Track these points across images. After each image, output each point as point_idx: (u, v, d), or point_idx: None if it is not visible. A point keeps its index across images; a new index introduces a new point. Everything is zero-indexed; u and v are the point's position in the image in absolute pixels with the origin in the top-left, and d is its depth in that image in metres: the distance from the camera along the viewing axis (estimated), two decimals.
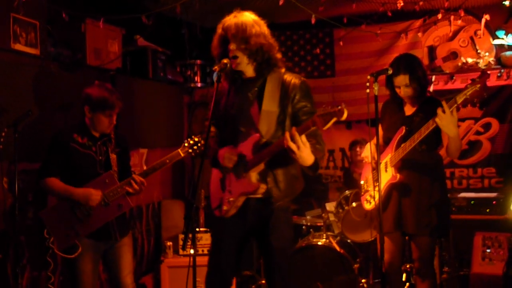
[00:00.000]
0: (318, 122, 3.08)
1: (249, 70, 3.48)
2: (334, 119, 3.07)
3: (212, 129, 3.66)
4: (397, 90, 4.25)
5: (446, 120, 3.81)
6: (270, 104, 3.39)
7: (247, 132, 3.43)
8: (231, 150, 3.45)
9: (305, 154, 3.13)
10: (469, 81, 3.84)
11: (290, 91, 3.42)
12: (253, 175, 3.39)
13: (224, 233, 3.56)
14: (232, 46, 3.36)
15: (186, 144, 4.17)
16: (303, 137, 3.09)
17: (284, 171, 3.44)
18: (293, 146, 3.07)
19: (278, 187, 3.42)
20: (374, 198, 4.29)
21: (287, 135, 3.09)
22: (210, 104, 3.49)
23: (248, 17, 3.43)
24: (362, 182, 4.60)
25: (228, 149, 3.47)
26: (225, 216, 3.49)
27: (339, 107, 3.05)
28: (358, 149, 6.54)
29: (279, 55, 3.51)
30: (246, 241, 3.67)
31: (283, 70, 3.53)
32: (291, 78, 3.47)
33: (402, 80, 4.17)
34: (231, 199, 3.45)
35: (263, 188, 3.40)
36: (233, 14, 3.46)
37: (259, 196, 3.43)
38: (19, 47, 4.52)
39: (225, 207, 3.47)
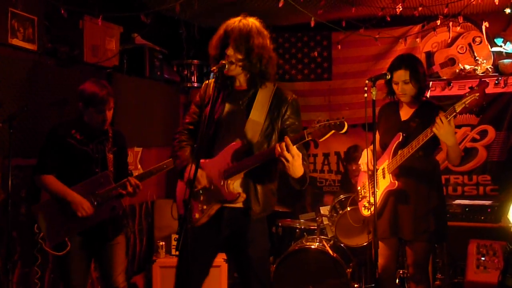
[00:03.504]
0: (315, 133, 3.05)
1: (242, 80, 3.42)
2: (331, 132, 3.04)
3: (183, 137, 3.56)
4: (395, 87, 4.23)
5: (444, 129, 3.81)
6: (257, 115, 3.32)
7: (228, 139, 3.33)
8: (201, 173, 3.31)
9: (298, 163, 3.07)
10: (468, 89, 3.83)
11: (282, 106, 3.37)
12: (232, 184, 3.29)
13: (196, 243, 3.33)
14: (230, 52, 3.27)
15: None
16: (295, 147, 3.04)
17: (263, 185, 3.36)
18: (287, 155, 3.01)
19: (257, 200, 3.33)
20: (371, 204, 4.27)
21: (282, 144, 3.02)
22: (197, 103, 3.51)
23: (253, 25, 3.32)
24: (359, 188, 4.58)
25: (199, 171, 3.25)
26: (196, 225, 3.33)
27: (340, 120, 3.03)
28: (353, 168, 6.50)
29: (274, 70, 3.43)
30: (217, 251, 3.57)
31: (275, 84, 3.46)
32: (283, 93, 3.42)
33: (402, 75, 4.16)
34: (204, 207, 3.32)
35: (242, 197, 3.28)
36: (239, 18, 3.35)
37: (237, 206, 3.32)
38: (16, 42, 4.49)
39: (197, 215, 3.33)
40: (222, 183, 3.28)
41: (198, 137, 3.16)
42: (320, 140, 3.07)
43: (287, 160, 3.02)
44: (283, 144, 3.02)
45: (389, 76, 3.99)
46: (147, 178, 4.23)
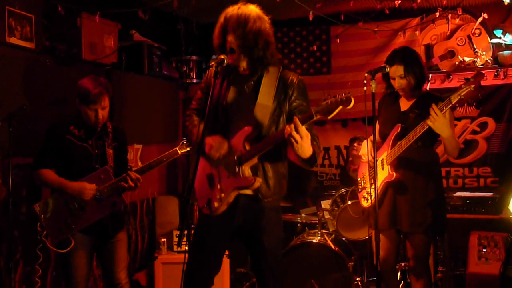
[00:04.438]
0: (322, 110, 3.05)
1: (246, 65, 3.42)
2: (340, 107, 3.05)
3: (195, 118, 3.59)
4: (392, 81, 4.25)
5: (438, 122, 3.82)
6: (265, 98, 3.33)
7: (238, 124, 3.35)
8: (220, 140, 3.35)
9: (307, 144, 3.08)
10: (464, 81, 3.84)
11: (288, 88, 3.38)
12: (246, 169, 3.31)
13: (211, 231, 3.44)
14: (230, 38, 3.30)
15: (184, 142, 4.15)
16: (304, 127, 3.05)
17: (274, 168, 3.39)
18: (296, 136, 3.01)
19: (267, 184, 3.36)
20: (371, 195, 4.27)
21: (291, 125, 3.03)
22: (198, 95, 3.54)
23: (252, 10, 3.35)
24: (359, 179, 4.59)
25: (217, 138, 3.36)
26: (215, 214, 3.38)
27: (346, 95, 3.03)
28: (355, 144, 6.52)
29: (276, 53, 3.45)
30: (230, 240, 3.57)
31: (280, 67, 3.47)
32: (289, 76, 3.43)
33: (396, 70, 4.17)
34: (222, 195, 3.34)
35: (258, 181, 3.30)
36: (238, 5, 3.38)
37: (251, 191, 3.34)
38: (14, 40, 4.49)
39: (216, 204, 3.36)
40: (237, 169, 3.30)
41: (204, 124, 3.17)
42: (329, 117, 3.07)
43: (296, 141, 3.03)
44: (292, 125, 3.03)
45: (388, 69, 3.99)
46: (147, 171, 4.23)
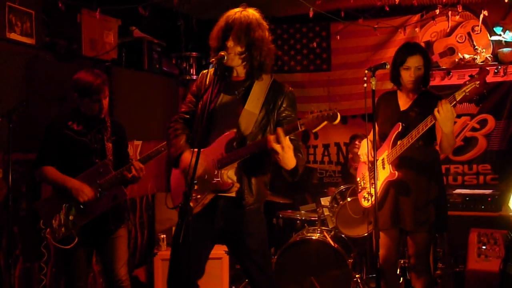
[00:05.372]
0: (308, 123, 3.04)
1: (240, 71, 3.42)
2: (324, 123, 3.04)
3: (178, 126, 3.57)
4: (405, 72, 4.21)
5: (444, 115, 3.80)
6: (252, 106, 3.33)
7: (222, 129, 3.32)
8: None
9: (289, 155, 3.05)
10: (468, 78, 3.82)
11: (278, 98, 3.37)
12: (226, 173, 3.29)
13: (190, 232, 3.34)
14: (230, 44, 3.27)
15: None
16: (287, 139, 3.03)
17: (256, 176, 3.37)
18: (277, 146, 3.00)
19: (250, 190, 3.34)
20: (371, 195, 4.26)
21: (273, 136, 3.03)
22: (194, 91, 3.53)
23: (253, 17, 3.31)
24: (358, 179, 4.58)
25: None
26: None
27: (332, 111, 3.02)
28: (357, 142, 6.53)
29: (272, 61, 3.43)
30: (211, 245, 3.54)
31: (272, 76, 3.47)
32: (279, 86, 3.43)
33: (417, 60, 4.16)
34: (199, 196, 3.31)
35: (236, 187, 3.29)
36: (239, 9, 3.35)
37: (231, 195, 3.32)
38: (14, 36, 4.48)
39: (191, 204, 3.23)
40: (216, 172, 3.29)
41: (194, 127, 3.16)
42: (314, 130, 3.08)
43: (277, 152, 3.02)
44: (274, 136, 3.03)
45: (388, 66, 3.97)
46: (146, 162, 4.24)
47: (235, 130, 3.29)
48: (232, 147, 3.28)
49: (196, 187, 3.30)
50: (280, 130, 3.02)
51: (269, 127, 3.35)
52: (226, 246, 3.50)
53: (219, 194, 3.34)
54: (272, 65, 3.46)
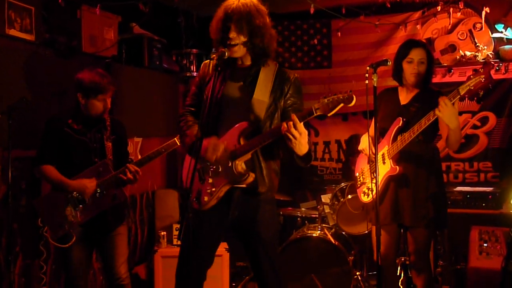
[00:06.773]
0: (323, 108, 3.04)
1: (245, 59, 3.40)
2: (341, 105, 3.04)
3: (190, 118, 3.54)
4: (407, 66, 4.21)
5: (448, 111, 3.79)
6: (261, 94, 3.31)
7: (233, 119, 3.31)
8: (215, 142, 3.28)
9: (304, 141, 3.05)
10: (472, 72, 3.81)
11: (284, 85, 3.37)
12: (240, 164, 3.26)
13: (203, 226, 3.35)
14: (232, 35, 3.24)
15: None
16: (302, 125, 3.03)
17: (268, 164, 3.37)
18: (295, 132, 2.99)
19: (263, 180, 3.34)
20: (371, 190, 4.25)
21: (290, 122, 3.00)
22: (194, 87, 3.51)
23: (252, 4, 3.30)
24: (357, 174, 4.56)
25: (212, 140, 3.28)
26: (204, 208, 3.31)
27: (347, 94, 3.02)
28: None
29: (275, 46, 3.42)
30: (224, 234, 3.55)
31: (276, 63, 3.46)
32: (286, 72, 3.42)
33: (420, 53, 4.18)
34: (213, 189, 3.29)
35: (252, 177, 3.27)
36: None
37: (245, 186, 3.31)
38: (13, 32, 4.47)
39: (206, 198, 3.30)
40: (230, 164, 3.26)
41: (200, 117, 3.14)
42: (329, 114, 3.06)
43: (295, 138, 3.01)
44: (291, 122, 3.01)
45: (390, 63, 3.95)
46: (146, 163, 4.21)
47: (247, 120, 3.28)
48: (246, 137, 3.27)
49: (210, 180, 3.32)
50: (295, 117, 3.01)
51: (276, 114, 3.34)
52: (238, 236, 3.49)
53: (235, 186, 3.33)
54: (275, 49, 3.44)
